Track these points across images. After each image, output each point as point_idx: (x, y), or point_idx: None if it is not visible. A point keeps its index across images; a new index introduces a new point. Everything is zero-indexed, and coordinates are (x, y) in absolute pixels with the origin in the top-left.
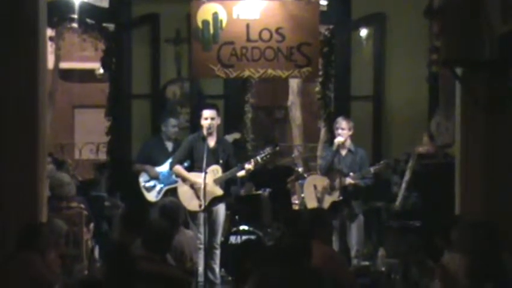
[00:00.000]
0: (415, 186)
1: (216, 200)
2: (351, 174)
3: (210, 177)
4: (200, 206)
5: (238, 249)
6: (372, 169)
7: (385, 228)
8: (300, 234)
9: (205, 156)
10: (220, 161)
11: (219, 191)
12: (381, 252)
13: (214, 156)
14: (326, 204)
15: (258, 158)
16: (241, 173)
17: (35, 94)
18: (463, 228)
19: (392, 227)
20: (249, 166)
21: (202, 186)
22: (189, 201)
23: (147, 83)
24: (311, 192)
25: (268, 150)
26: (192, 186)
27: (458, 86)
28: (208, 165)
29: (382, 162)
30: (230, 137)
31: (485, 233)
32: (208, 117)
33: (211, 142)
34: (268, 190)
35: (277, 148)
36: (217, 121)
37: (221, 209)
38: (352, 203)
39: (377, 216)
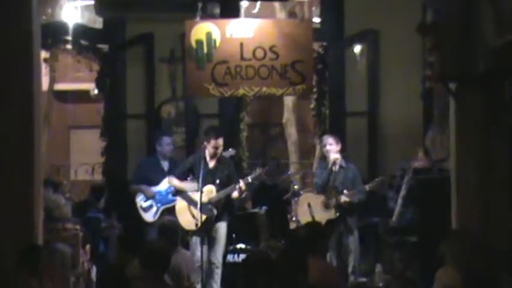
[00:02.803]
0: (411, 202)
1: (210, 220)
2: (345, 191)
3: (204, 198)
4: (196, 224)
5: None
6: (367, 186)
7: (382, 244)
8: (298, 250)
9: (201, 175)
10: (217, 181)
11: (214, 211)
12: (378, 268)
13: (212, 177)
14: (322, 222)
15: (249, 178)
16: (235, 194)
17: (30, 116)
18: (457, 243)
19: (390, 243)
20: (241, 187)
21: (198, 206)
22: (186, 219)
23: (142, 103)
24: (305, 210)
25: (258, 171)
26: (190, 202)
27: (452, 100)
28: (205, 185)
29: (377, 179)
30: (226, 154)
31: (478, 248)
32: (219, 147)
33: (212, 162)
34: (264, 208)
35: (266, 168)
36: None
37: (222, 227)
38: (347, 220)
39: (374, 232)
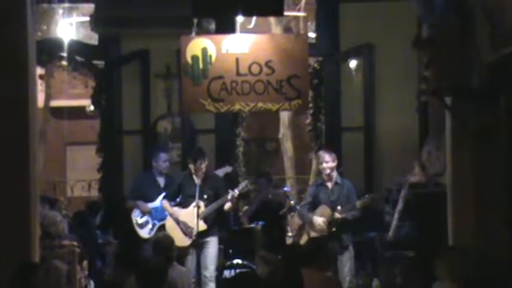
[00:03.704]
0: (407, 216)
1: (201, 234)
2: (338, 208)
3: (193, 213)
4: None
5: (233, 281)
6: (357, 203)
7: (379, 258)
8: (293, 266)
9: (197, 193)
10: (205, 197)
11: (203, 226)
12: (376, 283)
13: (200, 193)
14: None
15: (236, 191)
16: (226, 206)
17: (26, 133)
18: (453, 256)
19: (386, 257)
20: (228, 204)
21: (195, 221)
22: (176, 236)
23: (137, 119)
24: (300, 227)
25: (243, 183)
26: (177, 221)
27: (448, 115)
28: (193, 201)
29: (367, 196)
30: (221, 171)
31: (474, 261)
32: (199, 170)
33: (199, 179)
34: (260, 223)
35: (251, 181)
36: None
37: (212, 242)
38: (342, 236)
39: (371, 246)
